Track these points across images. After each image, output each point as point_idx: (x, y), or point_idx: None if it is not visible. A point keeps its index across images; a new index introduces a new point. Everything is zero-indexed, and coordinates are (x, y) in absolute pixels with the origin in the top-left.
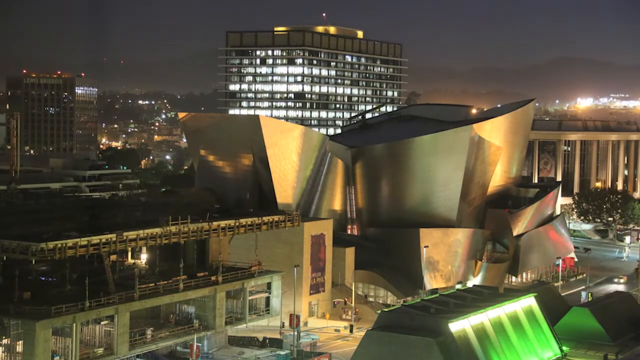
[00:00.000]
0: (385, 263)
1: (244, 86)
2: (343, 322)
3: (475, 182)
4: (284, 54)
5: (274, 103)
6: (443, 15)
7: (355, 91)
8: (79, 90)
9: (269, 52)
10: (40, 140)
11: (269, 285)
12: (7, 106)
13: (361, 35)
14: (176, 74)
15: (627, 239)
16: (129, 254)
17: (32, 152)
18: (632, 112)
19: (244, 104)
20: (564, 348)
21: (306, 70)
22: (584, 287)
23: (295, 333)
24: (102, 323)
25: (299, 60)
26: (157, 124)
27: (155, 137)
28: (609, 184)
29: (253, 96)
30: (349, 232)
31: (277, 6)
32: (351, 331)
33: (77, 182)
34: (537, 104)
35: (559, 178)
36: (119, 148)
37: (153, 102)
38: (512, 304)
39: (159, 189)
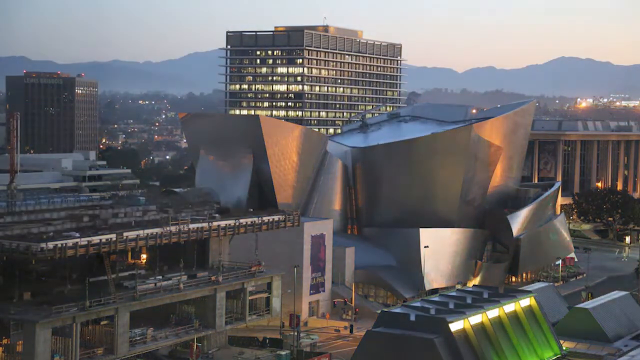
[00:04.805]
0: (385, 263)
1: (244, 86)
2: (343, 322)
3: (475, 182)
4: (284, 54)
5: (274, 103)
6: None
7: (355, 91)
8: (79, 90)
9: (269, 52)
10: (40, 140)
11: (269, 285)
12: (7, 106)
13: (361, 35)
14: (176, 74)
15: (627, 239)
16: (129, 254)
17: (32, 152)
18: (632, 112)
19: (244, 104)
20: (564, 348)
21: (306, 70)
22: (584, 287)
23: (295, 333)
24: (102, 323)
25: (299, 60)
26: (157, 124)
27: (155, 137)
28: (609, 184)
29: (253, 96)
30: (349, 232)
31: (277, 6)
32: (351, 331)
33: (77, 182)
34: (537, 104)
35: (559, 178)
36: (119, 148)
37: (153, 102)
38: (512, 304)
39: (159, 189)
